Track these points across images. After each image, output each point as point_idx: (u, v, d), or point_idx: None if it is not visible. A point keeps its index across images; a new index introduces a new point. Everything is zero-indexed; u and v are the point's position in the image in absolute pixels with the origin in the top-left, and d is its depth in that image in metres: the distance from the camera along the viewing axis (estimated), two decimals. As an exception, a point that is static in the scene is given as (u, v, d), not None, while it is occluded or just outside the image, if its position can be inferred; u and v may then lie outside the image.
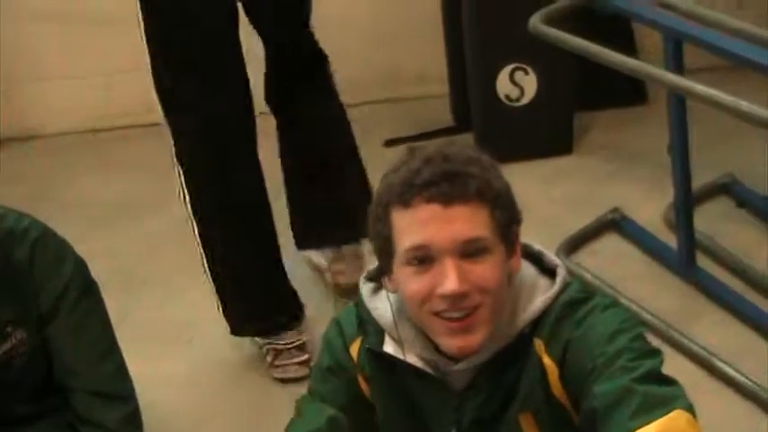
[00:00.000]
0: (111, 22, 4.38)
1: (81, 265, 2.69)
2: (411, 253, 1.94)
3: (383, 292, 2.11)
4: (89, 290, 2.69)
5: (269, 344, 3.50)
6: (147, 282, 3.84)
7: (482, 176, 1.94)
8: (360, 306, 2.15)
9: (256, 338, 3.54)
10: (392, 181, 1.96)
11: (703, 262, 3.53)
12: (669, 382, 1.91)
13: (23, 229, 2.62)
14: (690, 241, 3.50)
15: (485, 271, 1.93)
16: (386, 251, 2.00)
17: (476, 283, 1.92)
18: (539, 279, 2.07)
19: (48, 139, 4.83)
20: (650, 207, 3.80)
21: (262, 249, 3.47)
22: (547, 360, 1.99)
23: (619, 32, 4.08)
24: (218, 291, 3.45)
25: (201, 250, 3.42)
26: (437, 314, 1.95)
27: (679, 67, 3.21)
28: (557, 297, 2.03)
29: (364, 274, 2.17)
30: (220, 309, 3.47)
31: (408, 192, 1.92)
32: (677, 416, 1.83)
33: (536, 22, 3.34)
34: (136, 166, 4.52)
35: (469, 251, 1.92)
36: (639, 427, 1.81)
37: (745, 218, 3.79)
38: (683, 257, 3.51)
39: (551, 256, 2.11)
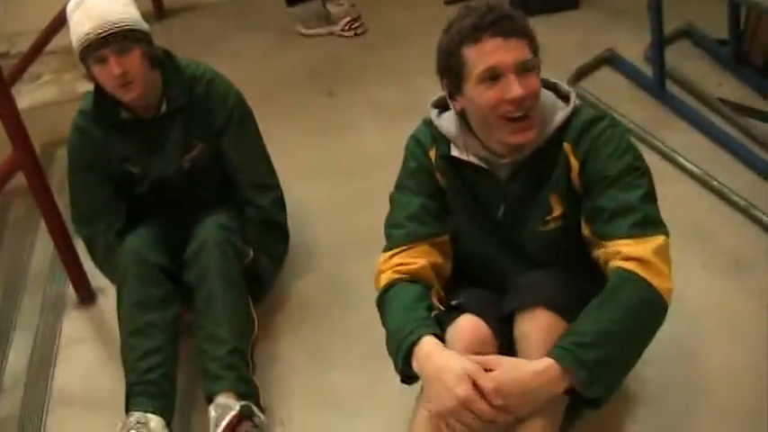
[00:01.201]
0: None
1: (240, 97, 2.73)
2: (485, 73, 1.94)
3: (445, 114, 2.12)
4: (246, 114, 2.74)
5: None
6: (281, 100, 3.82)
7: (523, 19, 1.96)
8: (430, 125, 2.16)
9: None
10: (462, 26, 1.95)
11: (671, 87, 3.48)
12: (656, 203, 1.97)
13: (201, 73, 2.67)
14: (661, 71, 3.46)
15: (534, 81, 1.97)
16: (457, 78, 1.99)
17: (530, 89, 1.95)
18: (557, 101, 2.07)
19: (205, 8, 4.73)
20: (634, 47, 3.69)
21: None
22: (572, 159, 2.02)
23: None
24: None
25: None
26: (504, 117, 1.96)
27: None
28: (574, 113, 2.04)
29: (431, 102, 2.16)
30: None
31: (478, 31, 1.93)
32: (663, 240, 1.90)
33: None
34: (268, 24, 4.45)
35: (524, 68, 1.94)
36: (635, 236, 1.89)
37: (700, 54, 3.70)
38: (657, 83, 3.48)
39: (564, 85, 2.12)
